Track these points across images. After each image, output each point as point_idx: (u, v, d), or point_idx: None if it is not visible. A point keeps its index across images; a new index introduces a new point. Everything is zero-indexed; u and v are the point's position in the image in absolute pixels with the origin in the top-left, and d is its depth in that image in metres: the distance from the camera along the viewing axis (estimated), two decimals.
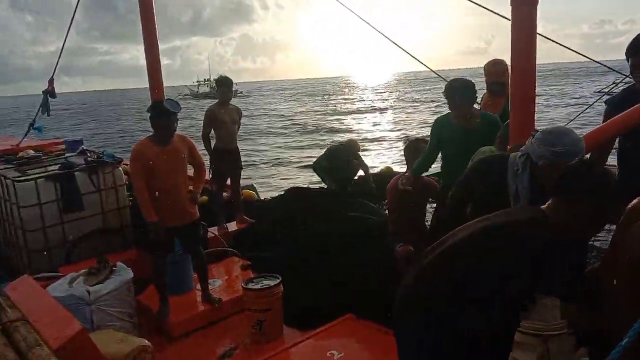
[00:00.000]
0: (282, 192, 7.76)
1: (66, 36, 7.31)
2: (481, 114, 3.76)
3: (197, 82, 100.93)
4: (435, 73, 7.02)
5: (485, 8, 4.60)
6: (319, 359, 3.61)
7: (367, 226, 5.25)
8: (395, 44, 5.92)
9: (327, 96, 71.32)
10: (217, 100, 6.14)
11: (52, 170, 5.31)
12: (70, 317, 2.38)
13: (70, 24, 7.02)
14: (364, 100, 59.40)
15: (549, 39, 4.86)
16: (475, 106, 3.96)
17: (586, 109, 6.90)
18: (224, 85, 6.10)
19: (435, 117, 4.02)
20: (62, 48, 7.32)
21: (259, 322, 4.06)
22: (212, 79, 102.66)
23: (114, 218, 5.39)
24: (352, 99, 63.90)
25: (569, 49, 5.27)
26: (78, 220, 5.16)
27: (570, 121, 8.17)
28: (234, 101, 6.40)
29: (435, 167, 4.39)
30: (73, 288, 4.01)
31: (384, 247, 4.18)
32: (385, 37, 6.01)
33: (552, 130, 2.62)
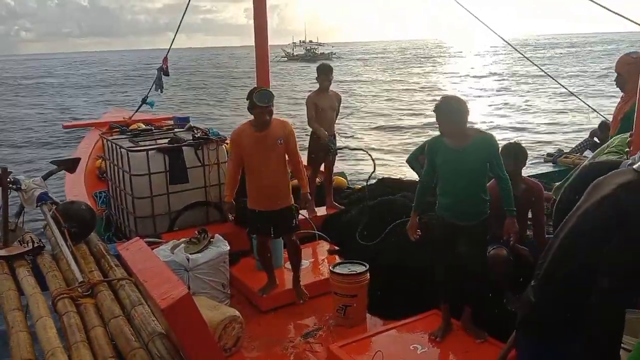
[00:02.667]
0: (373, 182, 7.78)
1: (184, 12, 7.59)
2: (476, 134, 3.59)
3: (293, 43, 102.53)
4: (507, 42, 6.67)
5: (624, 17, 4.28)
6: (402, 350, 3.63)
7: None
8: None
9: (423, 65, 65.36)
10: (317, 88, 6.23)
11: (162, 143, 5.66)
12: (177, 280, 2.56)
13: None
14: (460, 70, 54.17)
15: None
16: None
17: None
18: (323, 74, 6.16)
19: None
20: (178, 27, 7.65)
21: (344, 307, 4.14)
22: (307, 40, 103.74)
23: (215, 193, 5.64)
24: (449, 69, 57.96)
25: None
26: (182, 192, 5.46)
27: None
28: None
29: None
30: (175, 254, 4.30)
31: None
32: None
33: None
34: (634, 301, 1.91)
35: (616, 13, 4.16)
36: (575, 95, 7.35)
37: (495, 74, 45.96)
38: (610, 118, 8.49)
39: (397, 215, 5.49)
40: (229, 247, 4.50)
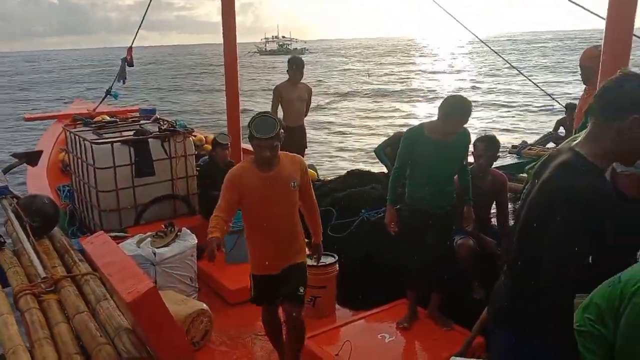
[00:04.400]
0: (342, 174, 7.81)
1: (146, 10, 7.48)
2: None
3: (265, 39, 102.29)
4: (484, 43, 6.77)
5: (580, 6, 4.36)
6: (370, 340, 3.67)
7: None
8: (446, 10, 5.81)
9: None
10: (287, 79, 6.23)
11: (127, 135, 5.56)
12: (142, 274, 2.51)
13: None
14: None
15: None
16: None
17: None
18: (295, 67, 6.15)
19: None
20: (143, 17, 7.51)
21: (313, 298, 4.15)
22: (280, 36, 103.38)
23: (182, 185, 5.59)
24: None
25: None
26: (148, 185, 5.38)
27: None
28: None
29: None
30: (141, 248, 4.24)
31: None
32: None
33: None
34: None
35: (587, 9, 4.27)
36: (537, 86, 7.46)
37: (460, 70, 46.46)
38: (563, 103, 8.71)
39: (367, 207, 5.53)
40: (196, 241, 4.46)
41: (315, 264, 3.70)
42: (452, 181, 3.74)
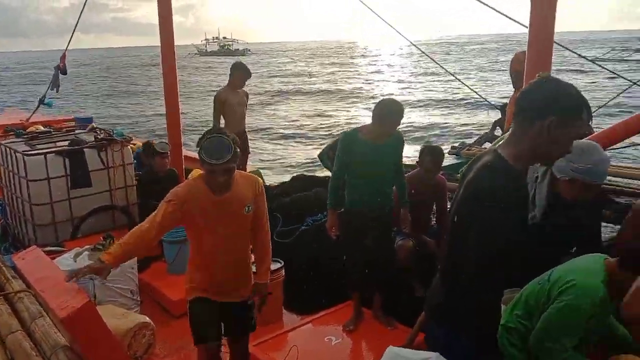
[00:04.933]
0: (288, 180, 7.84)
1: (81, 12, 7.29)
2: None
3: (206, 40, 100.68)
4: (418, 48, 7.02)
5: (503, 14, 4.54)
6: (317, 343, 3.69)
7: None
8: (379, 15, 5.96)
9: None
10: (226, 84, 6.19)
11: (62, 146, 5.38)
12: (77, 289, 2.43)
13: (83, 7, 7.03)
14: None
15: (567, 49, 4.81)
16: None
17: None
18: (239, 70, 6.13)
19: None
20: (77, 23, 7.29)
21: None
22: (220, 37, 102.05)
23: (121, 196, 5.46)
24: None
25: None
26: (85, 197, 5.23)
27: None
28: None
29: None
30: (78, 263, 4.08)
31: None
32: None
33: (576, 144, 2.29)
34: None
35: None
36: (470, 88, 7.71)
37: (398, 71, 47.54)
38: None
39: (313, 211, 5.57)
40: None
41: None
42: (389, 183, 3.82)
